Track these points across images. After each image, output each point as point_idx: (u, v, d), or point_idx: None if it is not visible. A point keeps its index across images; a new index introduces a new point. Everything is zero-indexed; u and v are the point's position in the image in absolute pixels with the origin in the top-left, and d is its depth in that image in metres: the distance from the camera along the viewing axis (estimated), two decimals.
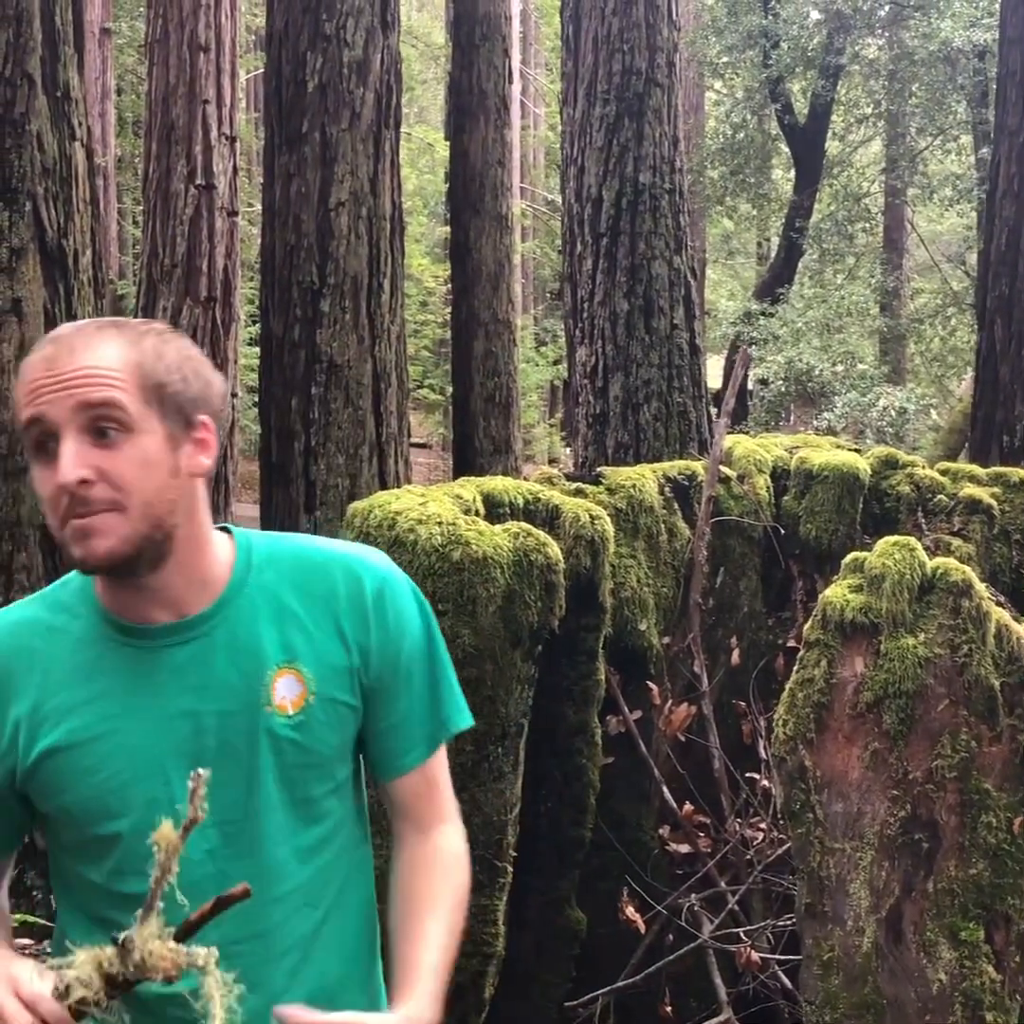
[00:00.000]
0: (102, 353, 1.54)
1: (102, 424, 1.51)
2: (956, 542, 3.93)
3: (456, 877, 1.76)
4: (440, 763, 1.80)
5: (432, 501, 3.06)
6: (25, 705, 1.60)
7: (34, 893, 4.72)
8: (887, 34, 17.80)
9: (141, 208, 11.92)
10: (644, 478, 3.78)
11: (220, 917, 1.49)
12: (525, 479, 3.73)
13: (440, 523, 2.93)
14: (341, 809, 1.72)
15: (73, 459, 1.49)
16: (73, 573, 1.68)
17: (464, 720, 1.80)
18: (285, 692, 1.62)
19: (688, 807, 3.68)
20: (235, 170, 10.91)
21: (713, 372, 19.65)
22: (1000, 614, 2.68)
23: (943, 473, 4.21)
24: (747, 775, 3.77)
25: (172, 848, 1.41)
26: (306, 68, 6.82)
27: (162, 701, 1.60)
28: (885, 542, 2.72)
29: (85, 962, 1.44)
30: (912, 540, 2.72)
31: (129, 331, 1.58)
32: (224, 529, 1.71)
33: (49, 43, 5.14)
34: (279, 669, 1.63)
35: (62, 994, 1.45)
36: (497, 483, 3.39)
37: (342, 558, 1.72)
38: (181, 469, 1.58)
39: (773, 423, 16.34)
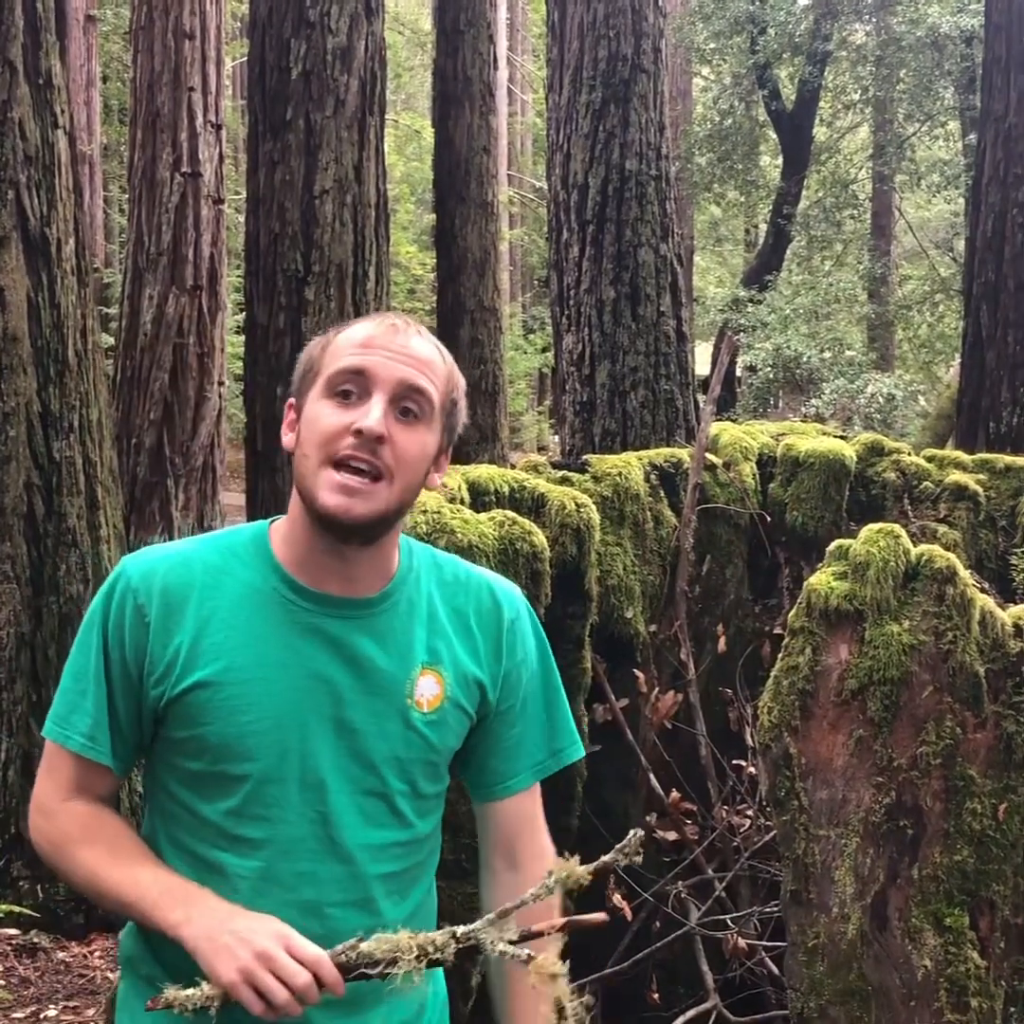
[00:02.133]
0: (434, 353, 1.73)
1: (410, 406, 1.67)
2: (942, 529, 3.93)
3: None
4: (536, 798, 1.92)
5: None
6: (187, 635, 1.68)
7: (21, 883, 4.71)
8: (874, 20, 17.79)
9: (127, 196, 11.86)
10: (630, 466, 3.77)
11: (319, 876, 1.68)
12: (511, 467, 3.72)
13: (424, 512, 2.92)
14: (438, 816, 1.84)
15: (382, 416, 1.63)
16: (244, 526, 1.81)
17: (576, 752, 1.94)
18: (425, 691, 1.74)
19: (675, 795, 3.68)
20: (221, 157, 10.86)
21: (702, 359, 19.65)
22: (984, 600, 2.68)
23: (929, 460, 4.21)
24: (734, 762, 3.77)
25: (571, 879, 1.49)
26: (290, 55, 6.79)
27: (315, 664, 1.69)
28: (869, 529, 2.71)
29: (397, 939, 1.51)
30: (896, 527, 2.71)
31: (444, 349, 1.77)
32: None
33: (31, 30, 5.11)
34: (423, 668, 1.75)
35: (352, 964, 1.52)
36: (482, 471, 3.37)
37: (487, 582, 1.87)
38: (429, 477, 1.75)
39: (761, 410, 16.35)
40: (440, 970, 1.91)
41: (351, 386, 1.65)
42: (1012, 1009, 2.62)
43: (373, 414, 1.63)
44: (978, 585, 2.82)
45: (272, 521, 1.78)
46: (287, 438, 1.74)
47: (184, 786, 1.71)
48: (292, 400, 1.75)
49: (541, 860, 1.88)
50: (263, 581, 1.72)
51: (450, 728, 1.76)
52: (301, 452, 1.68)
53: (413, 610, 1.76)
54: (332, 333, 1.75)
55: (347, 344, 1.69)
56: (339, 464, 1.63)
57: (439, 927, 1.79)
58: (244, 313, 7.76)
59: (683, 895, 3.59)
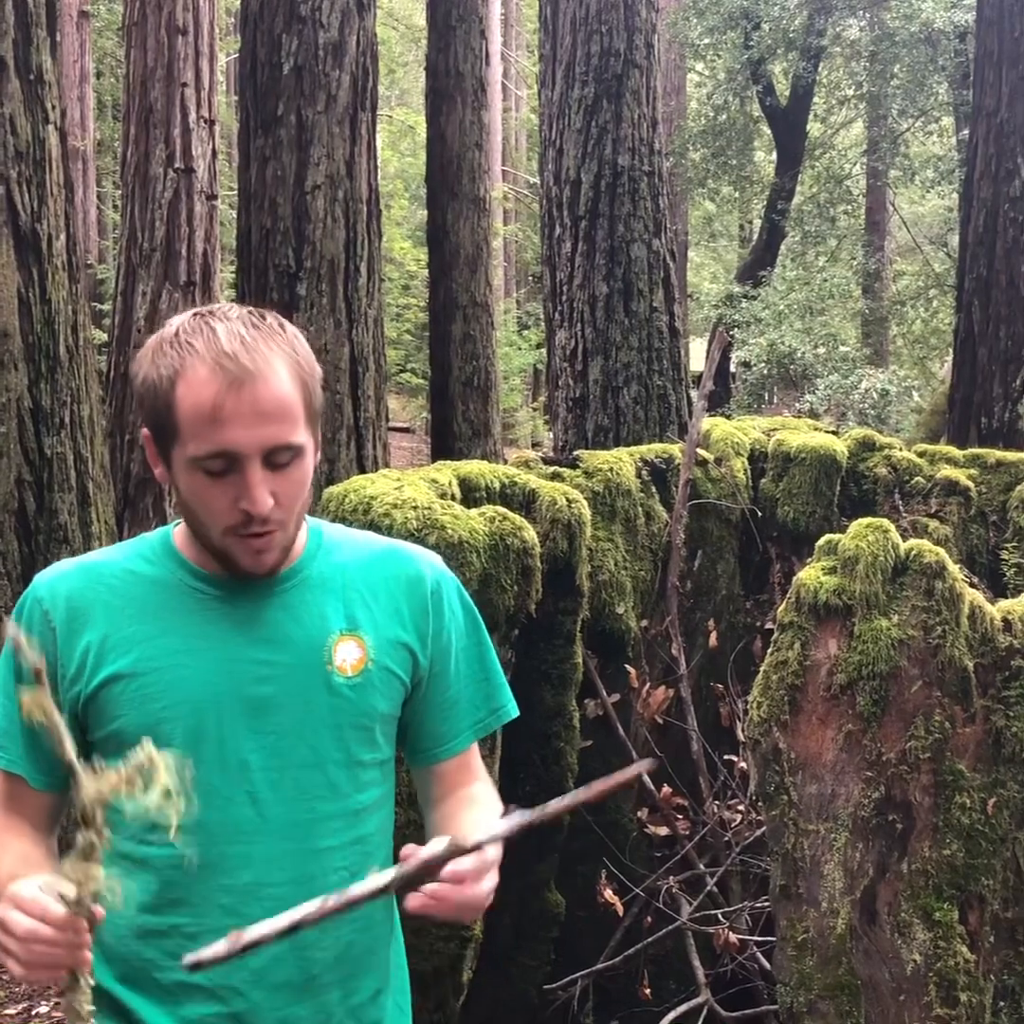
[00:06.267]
0: (282, 381, 1.63)
1: (281, 459, 1.64)
2: (933, 524, 3.93)
3: (489, 800, 1.87)
4: (476, 754, 1.92)
5: (407, 485, 3.05)
6: (95, 634, 1.70)
7: None
8: (868, 15, 17.78)
9: (120, 192, 11.85)
10: (621, 461, 3.77)
11: (254, 857, 1.67)
12: (504, 463, 3.72)
13: (415, 507, 2.92)
14: (384, 787, 1.83)
15: (263, 489, 1.62)
16: (152, 531, 1.83)
17: (513, 710, 1.94)
18: (345, 655, 1.74)
19: (666, 790, 3.68)
20: (214, 153, 10.84)
21: (696, 355, 19.66)
22: (973, 595, 2.68)
23: (920, 455, 4.22)
24: (725, 757, 3.77)
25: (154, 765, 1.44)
26: (281, 50, 6.78)
27: (228, 646, 1.70)
28: (858, 524, 2.72)
29: (69, 866, 1.47)
30: (885, 522, 2.72)
31: (281, 340, 1.66)
32: None
33: (21, 26, 5.11)
34: (341, 635, 1.75)
35: (72, 901, 1.47)
36: (473, 467, 3.37)
37: (405, 551, 1.88)
38: (315, 468, 1.73)
39: (755, 406, 16.36)
40: (403, 955, 1.91)
41: (220, 465, 1.62)
42: (1001, 1003, 2.63)
43: (255, 496, 1.61)
44: (968, 580, 2.82)
45: (176, 525, 1.79)
46: (159, 473, 1.71)
47: None
48: (147, 432, 1.70)
49: (468, 789, 1.88)
50: (169, 575, 1.74)
51: (378, 690, 1.76)
52: (191, 517, 1.69)
53: (325, 583, 1.77)
54: (173, 361, 1.63)
55: (197, 416, 1.60)
56: (241, 534, 1.65)
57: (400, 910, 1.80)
58: None
59: (674, 890, 3.60)
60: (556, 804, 1.49)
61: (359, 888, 1.46)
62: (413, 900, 1.53)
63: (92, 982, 1.50)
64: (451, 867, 1.51)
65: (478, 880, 1.57)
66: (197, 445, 1.61)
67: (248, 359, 1.61)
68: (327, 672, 1.72)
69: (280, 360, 1.64)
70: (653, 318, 7.69)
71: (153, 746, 1.46)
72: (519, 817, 1.49)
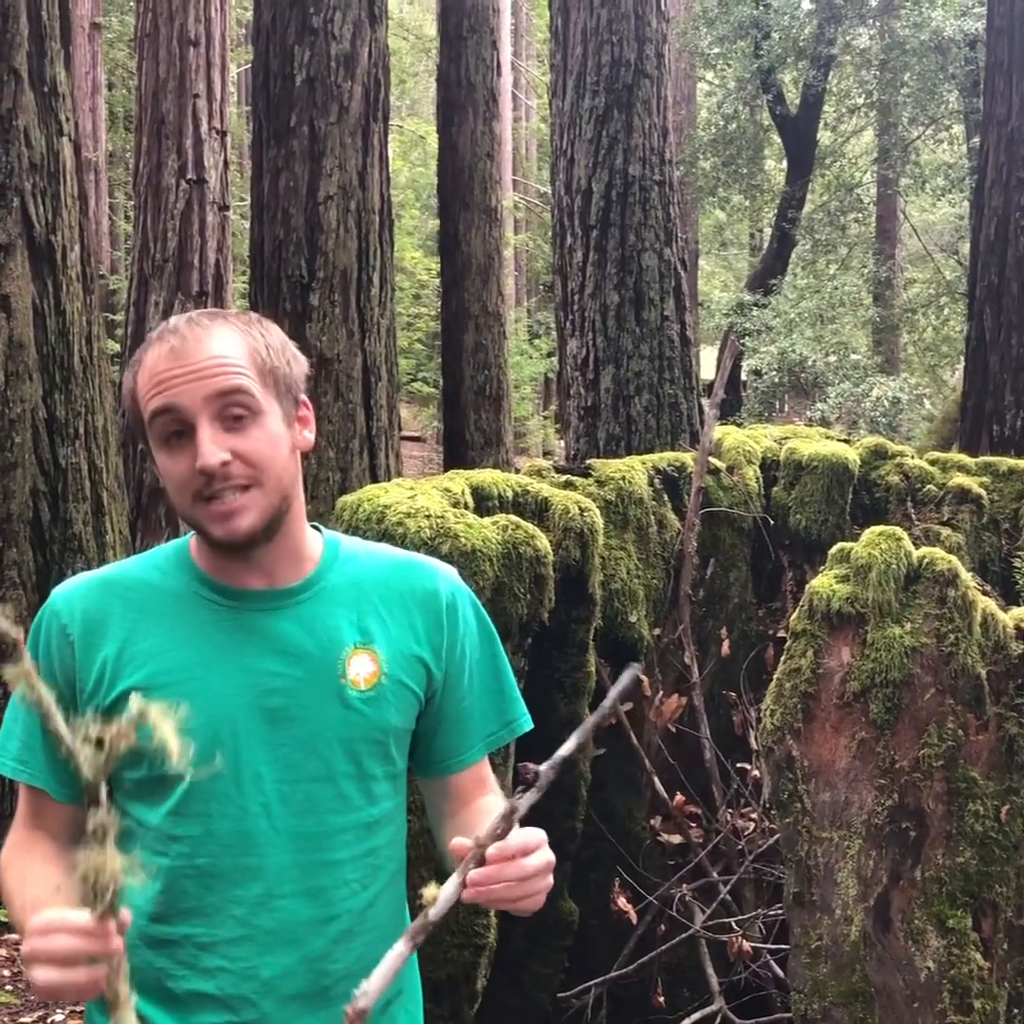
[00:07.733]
0: (222, 342, 1.65)
1: (234, 410, 1.63)
2: (945, 531, 3.94)
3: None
4: (488, 766, 1.90)
5: (421, 494, 3.06)
6: (112, 648, 1.70)
7: None
8: (878, 24, 17.78)
9: (132, 203, 11.89)
10: (633, 470, 3.78)
11: (266, 868, 1.66)
12: (516, 472, 3.73)
13: (429, 516, 2.93)
14: (396, 800, 1.82)
15: (212, 443, 1.61)
16: (169, 543, 1.83)
17: (527, 723, 1.92)
18: (359, 669, 1.73)
19: (679, 798, 3.69)
20: (226, 164, 10.89)
21: (707, 363, 19.65)
22: (986, 603, 2.69)
23: (932, 463, 4.22)
24: (738, 765, 3.78)
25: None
26: (294, 62, 6.82)
27: (242, 658, 1.70)
28: (871, 532, 2.72)
29: (85, 857, 1.41)
30: (898, 530, 2.72)
31: (235, 320, 1.70)
32: (314, 526, 1.83)
33: (36, 39, 5.14)
34: (355, 649, 1.74)
35: (93, 901, 1.40)
36: (486, 476, 3.39)
37: (420, 564, 1.87)
38: (294, 445, 1.72)
39: (767, 414, 16.35)
40: (415, 965, 1.91)
41: (172, 427, 1.63)
42: (1015, 1010, 2.63)
43: (203, 449, 1.61)
44: (980, 587, 2.83)
45: (192, 535, 1.80)
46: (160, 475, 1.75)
47: (130, 798, 1.72)
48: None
49: (481, 801, 1.85)
50: (184, 587, 1.74)
51: (391, 704, 1.75)
52: (170, 499, 1.71)
53: (339, 595, 1.77)
54: (137, 357, 1.69)
55: (145, 389, 1.65)
56: (207, 498, 1.64)
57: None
58: None
59: (688, 898, 3.60)
60: (575, 739, 1.44)
61: (438, 909, 1.38)
62: (466, 892, 1.45)
63: (135, 996, 1.46)
64: (495, 847, 1.46)
65: (526, 853, 1.52)
66: (148, 416, 1.64)
67: (188, 331, 1.65)
68: (340, 685, 1.72)
69: (225, 330, 1.67)
70: (664, 327, 7.70)
71: (142, 700, 1.43)
72: (550, 763, 1.43)
